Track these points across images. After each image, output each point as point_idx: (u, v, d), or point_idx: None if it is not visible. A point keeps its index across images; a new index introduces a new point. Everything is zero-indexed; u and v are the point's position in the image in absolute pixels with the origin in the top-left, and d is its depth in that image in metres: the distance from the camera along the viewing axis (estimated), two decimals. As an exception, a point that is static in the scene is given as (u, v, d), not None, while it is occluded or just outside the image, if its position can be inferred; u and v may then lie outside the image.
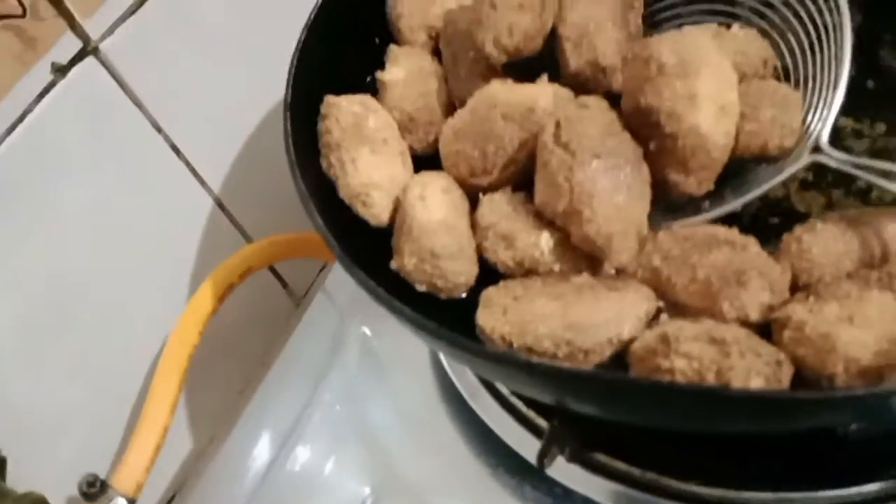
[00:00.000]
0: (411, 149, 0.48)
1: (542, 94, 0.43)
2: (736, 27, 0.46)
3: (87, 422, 0.57)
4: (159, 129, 0.58)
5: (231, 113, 0.63)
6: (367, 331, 0.62)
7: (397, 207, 0.45)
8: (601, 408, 0.38)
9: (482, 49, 0.44)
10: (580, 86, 0.44)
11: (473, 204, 0.45)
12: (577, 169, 0.38)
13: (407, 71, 0.49)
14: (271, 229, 0.67)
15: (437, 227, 0.41)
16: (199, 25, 0.58)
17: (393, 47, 0.51)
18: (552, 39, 0.46)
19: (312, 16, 0.48)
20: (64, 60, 0.50)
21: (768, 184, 0.41)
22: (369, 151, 0.45)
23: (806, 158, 0.41)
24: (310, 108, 0.47)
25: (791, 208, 0.45)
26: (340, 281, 0.65)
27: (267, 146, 0.65)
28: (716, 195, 0.42)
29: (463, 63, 0.46)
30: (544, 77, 0.44)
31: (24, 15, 0.48)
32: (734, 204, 0.41)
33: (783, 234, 0.41)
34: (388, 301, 0.37)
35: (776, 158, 0.42)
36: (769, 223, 0.44)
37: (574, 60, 0.45)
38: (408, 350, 0.60)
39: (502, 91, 0.43)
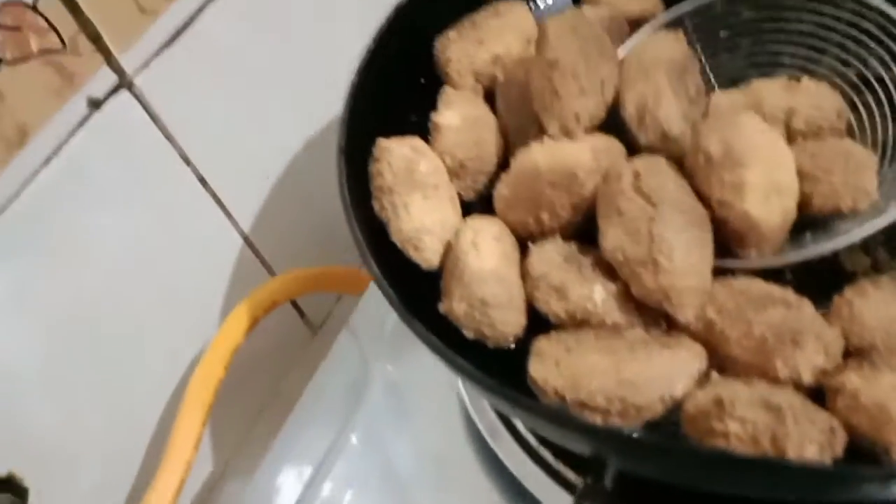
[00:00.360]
0: (459, 196, 0.48)
1: (582, 155, 0.43)
2: (806, 80, 0.47)
3: (108, 452, 0.56)
4: (188, 162, 0.58)
5: (258, 147, 0.63)
6: (390, 368, 0.62)
7: (448, 251, 0.45)
8: (653, 471, 0.37)
9: (547, 131, 0.45)
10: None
11: (524, 248, 0.45)
12: (659, 220, 0.39)
13: (462, 117, 0.49)
14: (294, 263, 0.67)
15: (489, 275, 0.41)
16: (231, 61, 0.59)
17: (448, 90, 0.51)
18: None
19: (365, 60, 0.49)
20: (100, 94, 0.51)
21: (850, 237, 0.41)
22: (421, 196, 0.45)
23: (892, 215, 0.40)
24: (360, 149, 0.47)
25: (838, 266, 0.44)
26: (364, 318, 0.64)
27: (292, 180, 0.66)
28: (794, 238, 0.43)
29: (522, 122, 0.46)
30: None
31: (63, 49, 0.48)
32: (795, 257, 0.42)
33: (832, 294, 0.41)
34: (447, 354, 0.37)
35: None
36: (814, 279, 0.43)
37: (643, 137, 0.46)
38: (432, 388, 0.59)
39: (543, 156, 0.43)
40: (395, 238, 0.45)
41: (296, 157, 0.66)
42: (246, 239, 0.64)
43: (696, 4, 0.51)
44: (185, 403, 0.55)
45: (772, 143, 0.41)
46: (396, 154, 0.46)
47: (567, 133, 0.44)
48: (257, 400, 0.68)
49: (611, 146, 0.45)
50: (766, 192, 0.40)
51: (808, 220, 0.43)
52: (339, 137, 0.46)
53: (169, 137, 0.56)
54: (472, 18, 0.53)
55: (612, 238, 0.40)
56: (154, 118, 0.55)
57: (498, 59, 0.52)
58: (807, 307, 0.39)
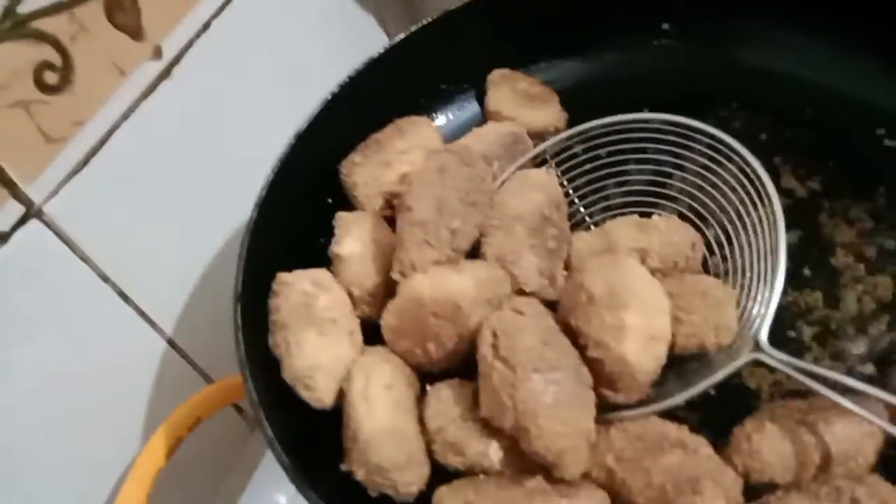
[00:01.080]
0: (371, 319, 0.48)
1: (465, 284, 0.44)
2: (656, 217, 0.48)
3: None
4: (107, 279, 0.57)
5: (179, 256, 0.62)
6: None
7: (342, 395, 0.44)
8: None
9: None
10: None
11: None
12: (520, 385, 0.38)
13: (362, 242, 0.49)
14: (231, 366, 0.65)
15: (383, 437, 0.41)
16: (146, 177, 0.58)
17: (342, 216, 0.51)
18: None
19: (264, 194, 0.49)
20: (6, 227, 0.50)
21: (709, 381, 0.41)
22: (316, 333, 0.44)
23: (745, 357, 0.41)
24: (264, 283, 0.46)
25: (741, 384, 0.45)
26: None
27: (217, 284, 0.64)
28: (659, 382, 0.43)
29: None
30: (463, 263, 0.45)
31: None
32: (677, 399, 0.42)
33: (733, 426, 0.42)
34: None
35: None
36: (717, 400, 0.44)
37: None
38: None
39: (426, 287, 0.43)
40: (286, 376, 0.44)
41: (220, 262, 0.65)
42: (176, 348, 0.63)
43: (556, 143, 0.52)
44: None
45: (652, 289, 0.41)
46: (295, 289, 0.46)
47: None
48: (197, 500, 0.67)
49: (495, 276, 0.45)
50: (645, 337, 0.40)
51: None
52: (236, 281, 0.45)
53: (85, 259, 0.55)
54: (376, 138, 0.54)
55: (485, 405, 0.40)
56: (67, 242, 0.54)
57: (405, 178, 0.52)
58: (703, 448, 0.40)
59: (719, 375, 0.41)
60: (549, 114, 0.54)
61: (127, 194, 0.57)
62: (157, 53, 0.56)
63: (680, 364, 0.44)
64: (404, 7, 0.75)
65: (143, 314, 0.60)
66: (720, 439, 0.41)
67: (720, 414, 0.43)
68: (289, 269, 0.48)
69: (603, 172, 0.51)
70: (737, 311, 0.43)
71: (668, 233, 0.46)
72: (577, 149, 0.51)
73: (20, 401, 0.52)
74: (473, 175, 0.48)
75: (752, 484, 0.40)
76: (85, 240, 0.55)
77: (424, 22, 0.55)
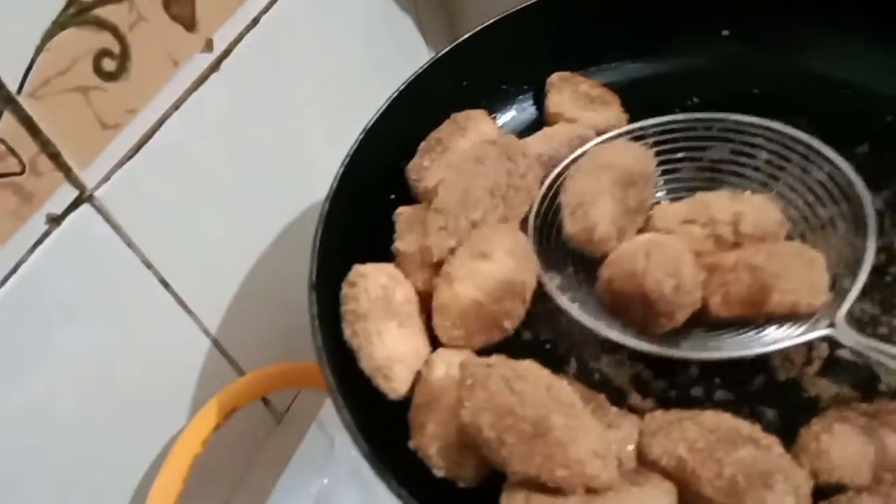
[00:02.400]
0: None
1: (503, 266, 0.46)
2: (748, 193, 0.49)
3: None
4: (150, 266, 0.57)
5: (222, 248, 0.63)
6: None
7: (418, 382, 0.45)
8: None
9: None
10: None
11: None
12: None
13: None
14: (263, 359, 0.66)
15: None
16: (194, 168, 0.58)
17: (403, 212, 0.51)
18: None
19: (336, 186, 0.50)
20: (59, 210, 0.50)
21: (781, 345, 0.43)
22: (396, 325, 0.45)
23: (821, 331, 0.43)
24: (330, 277, 0.47)
25: (802, 392, 0.45)
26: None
27: (258, 278, 0.66)
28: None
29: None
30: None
31: (22, 172, 0.47)
32: (742, 353, 0.43)
33: (800, 427, 0.42)
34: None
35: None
36: (781, 404, 0.44)
37: (569, 225, 0.48)
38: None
39: (471, 286, 0.46)
40: (365, 365, 0.45)
41: (261, 256, 0.65)
42: (213, 339, 0.63)
43: (659, 121, 0.52)
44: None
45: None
46: (373, 281, 0.46)
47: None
48: (223, 491, 0.67)
49: (516, 242, 0.48)
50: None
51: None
52: (311, 271, 0.46)
53: (131, 245, 0.55)
54: (438, 137, 0.54)
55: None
56: (115, 228, 0.54)
57: None
58: (775, 446, 0.40)
59: (794, 341, 0.42)
60: (610, 115, 0.55)
61: (174, 184, 0.57)
62: (209, 46, 0.56)
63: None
64: (442, 12, 0.76)
65: (185, 306, 0.60)
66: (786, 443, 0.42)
67: (782, 419, 0.44)
68: (356, 262, 0.48)
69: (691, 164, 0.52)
70: (826, 276, 0.44)
71: (760, 205, 0.48)
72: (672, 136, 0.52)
73: (62, 382, 0.52)
74: (512, 170, 0.49)
75: (820, 485, 0.40)
76: (132, 226, 0.55)
77: (485, 24, 0.56)
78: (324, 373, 0.41)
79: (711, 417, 0.41)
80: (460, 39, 0.55)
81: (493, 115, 0.58)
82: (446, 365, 0.44)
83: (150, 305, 0.58)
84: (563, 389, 0.39)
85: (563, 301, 0.46)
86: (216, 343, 0.64)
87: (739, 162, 0.51)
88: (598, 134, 0.54)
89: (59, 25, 0.47)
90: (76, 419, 0.54)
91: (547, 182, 0.51)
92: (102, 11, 0.49)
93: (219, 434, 0.59)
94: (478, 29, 0.56)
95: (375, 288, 0.46)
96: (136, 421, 0.58)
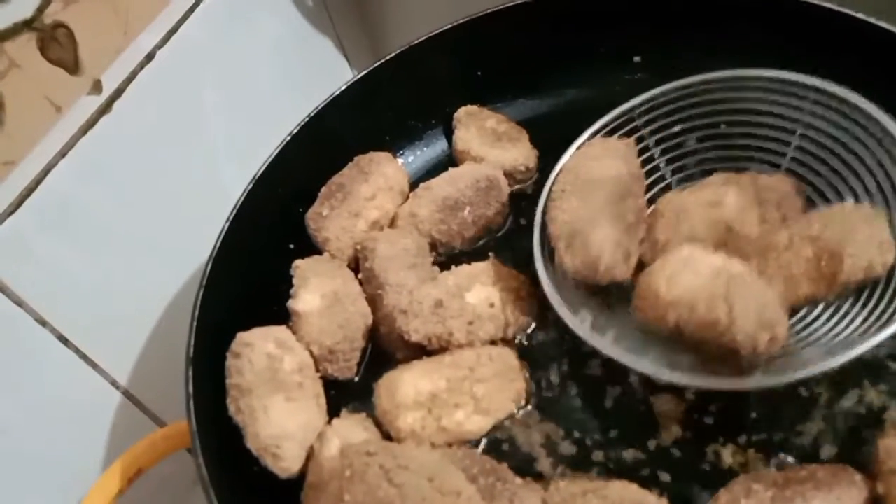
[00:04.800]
0: (332, 378, 0.46)
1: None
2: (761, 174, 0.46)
3: None
4: (44, 323, 0.54)
5: (127, 300, 0.59)
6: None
7: (311, 459, 0.42)
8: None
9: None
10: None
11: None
12: None
13: (321, 295, 0.46)
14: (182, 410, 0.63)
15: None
16: (86, 218, 0.55)
17: (299, 266, 0.48)
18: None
19: (217, 247, 0.47)
20: None
21: (867, 345, 0.37)
22: (283, 398, 0.42)
23: None
24: (216, 343, 0.44)
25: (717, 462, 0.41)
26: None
27: (168, 329, 0.62)
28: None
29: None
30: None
31: None
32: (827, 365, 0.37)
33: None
34: None
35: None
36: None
37: (569, 260, 0.43)
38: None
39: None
40: (251, 445, 0.42)
41: (169, 304, 0.62)
42: (123, 391, 0.60)
43: (645, 98, 0.48)
44: None
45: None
46: (258, 351, 0.43)
47: None
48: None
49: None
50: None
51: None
52: (188, 344, 0.43)
53: (20, 303, 0.52)
54: (339, 182, 0.51)
55: None
56: (1, 287, 0.51)
57: (376, 223, 0.51)
58: None
59: (878, 338, 0.37)
60: (518, 152, 0.52)
61: (66, 235, 0.54)
62: (97, 87, 0.53)
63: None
64: (363, 32, 0.73)
65: (84, 357, 0.57)
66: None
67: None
68: (247, 323, 0.46)
69: (692, 135, 0.49)
70: (888, 227, 0.41)
71: (778, 183, 0.45)
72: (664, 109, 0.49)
73: None
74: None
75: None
76: (19, 283, 0.52)
77: (388, 56, 0.53)
78: (197, 462, 0.38)
79: (617, 490, 0.39)
80: (359, 75, 0.53)
81: (400, 152, 0.56)
82: (340, 440, 0.41)
83: (48, 363, 0.55)
84: (449, 478, 0.36)
85: (604, 344, 0.41)
86: (127, 395, 0.61)
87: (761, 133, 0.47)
88: (506, 174, 0.51)
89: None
90: None
91: (540, 208, 0.46)
92: (-35, 61, 0.46)
93: (142, 479, 0.55)
94: (382, 61, 0.53)
95: (261, 358, 0.43)
96: (43, 484, 0.55)
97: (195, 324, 0.43)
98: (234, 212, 0.48)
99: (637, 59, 0.54)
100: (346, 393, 0.47)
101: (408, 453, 0.37)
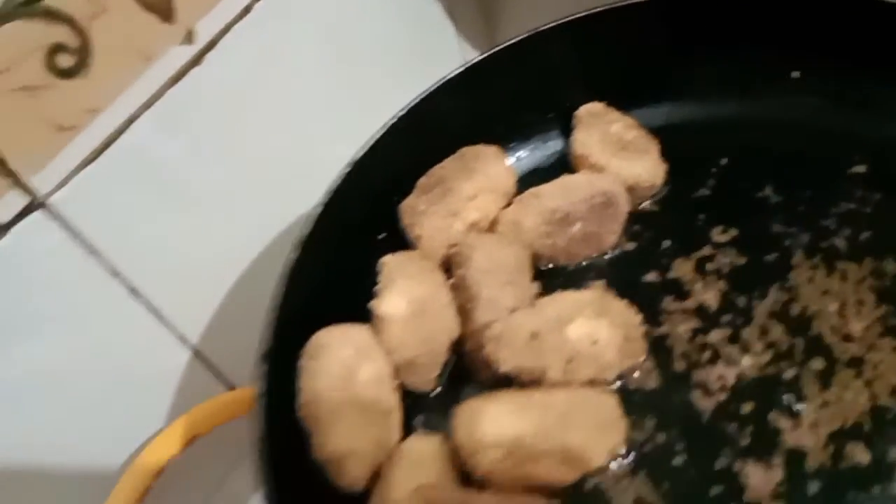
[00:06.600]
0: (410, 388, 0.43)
1: None
2: None
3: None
4: (116, 274, 0.53)
5: (202, 255, 0.57)
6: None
7: (377, 474, 0.40)
8: None
9: None
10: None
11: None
12: None
13: (408, 300, 0.43)
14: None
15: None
16: (167, 173, 0.53)
17: (388, 262, 0.45)
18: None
19: (306, 232, 0.44)
20: (6, 218, 0.46)
21: None
22: (355, 412, 0.40)
23: None
24: (292, 340, 0.42)
25: None
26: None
27: (246, 289, 0.61)
28: None
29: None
30: None
31: None
32: None
33: None
34: None
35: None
36: None
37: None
38: None
39: None
40: (316, 455, 0.40)
41: (249, 265, 0.60)
42: (194, 350, 0.59)
43: None
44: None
45: None
46: (335, 355, 0.41)
47: None
48: (199, 496, 0.63)
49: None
50: None
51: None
52: (265, 336, 0.40)
53: (93, 253, 0.51)
54: (441, 175, 0.47)
55: None
56: (74, 235, 0.49)
57: (475, 225, 0.47)
58: None
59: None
60: (645, 166, 0.47)
61: (145, 188, 0.53)
62: (190, 38, 0.51)
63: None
64: (478, 13, 0.69)
65: (155, 311, 0.56)
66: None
67: None
68: (327, 312, 0.43)
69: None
70: None
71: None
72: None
73: (22, 400, 0.49)
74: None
75: None
76: (94, 233, 0.50)
77: (508, 42, 0.48)
78: (260, 472, 0.36)
79: None
80: (477, 59, 0.48)
81: (510, 147, 0.51)
82: (409, 472, 0.38)
83: (117, 315, 0.54)
84: None
85: None
86: (198, 354, 0.60)
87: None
88: (629, 190, 0.46)
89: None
90: (38, 438, 0.51)
91: None
92: (55, 2, 0.44)
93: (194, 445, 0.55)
94: (500, 47, 0.48)
95: (335, 365, 0.40)
96: (102, 437, 0.55)
97: (275, 315, 0.41)
98: (328, 196, 0.45)
99: (795, 74, 0.48)
100: (422, 403, 0.44)
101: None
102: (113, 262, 0.52)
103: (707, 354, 0.42)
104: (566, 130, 0.51)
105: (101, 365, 0.53)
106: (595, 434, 0.39)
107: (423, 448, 0.40)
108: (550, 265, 0.47)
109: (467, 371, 0.44)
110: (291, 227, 0.62)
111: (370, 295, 0.45)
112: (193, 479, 0.61)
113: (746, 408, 0.40)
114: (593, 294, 0.42)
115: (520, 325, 0.40)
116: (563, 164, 0.50)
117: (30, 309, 0.48)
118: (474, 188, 0.46)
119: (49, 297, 0.49)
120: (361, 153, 0.46)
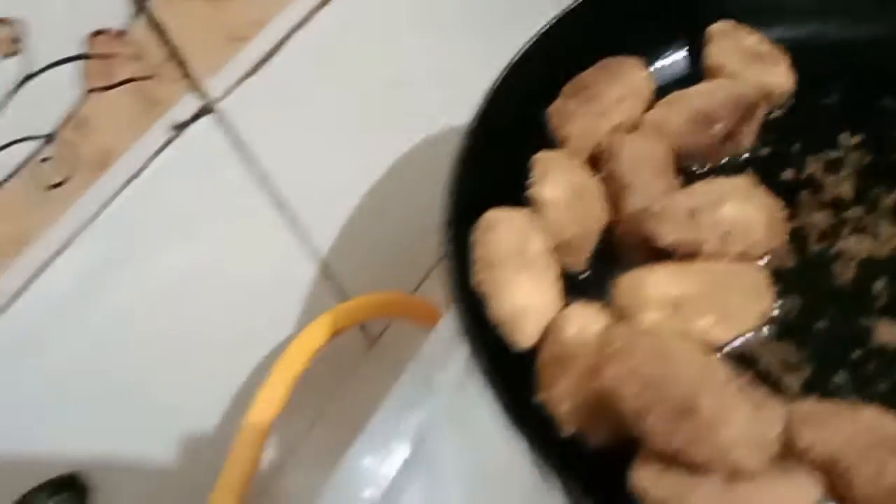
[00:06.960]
0: (564, 270, 0.47)
1: None
2: None
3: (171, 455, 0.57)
4: (265, 183, 0.57)
5: (341, 172, 0.62)
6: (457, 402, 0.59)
7: (547, 336, 0.43)
8: None
9: None
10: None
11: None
12: None
13: (563, 188, 0.47)
14: (368, 288, 0.66)
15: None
16: (316, 89, 0.58)
17: (541, 157, 0.49)
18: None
19: (475, 122, 0.48)
20: (183, 118, 0.50)
21: None
22: (528, 276, 0.43)
23: None
24: (463, 218, 0.45)
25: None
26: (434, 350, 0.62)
27: (375, 204, 0.65)
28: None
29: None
30: None
31: (149, 78, 0.48)
32: None
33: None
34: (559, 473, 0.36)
35: None
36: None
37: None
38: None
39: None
40: (492, 315, 0.43)
41: (379, 185, 0.65)
42: (322, 263, 0.64)
43: None
44: (243, 434, 0.54)
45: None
46: (508, 228, 0.44)
47: None
48: (310, 412, 0.68)
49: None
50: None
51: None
52: (446, 208, 0.44)
53: (250, 160, 0.55)
54: (586, 82, 0.51)
55: None
56: (236, 141, 0.54)
57: (619, 126, 0.50)
58: None
59: None
60: (778, 74, 0.51)
61: (298, 102, 0.57)
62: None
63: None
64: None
65: (298, 227, 0.61)
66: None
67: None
68: (486, 205, 0.46)
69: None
70: None
71: None
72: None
73: (169, 293, 0.53)
74: None
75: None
76: (251, 142, 0.54)
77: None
78: (459, 318, 0.40)
79: (870, 416, 0.39)
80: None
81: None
82: (579, 323, 0.42)
83: (260, 224, 0.58)
84: (718, 367, 0.37)
85: None
86: (325, 267, 0.64)
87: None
88: (764, 97, 0.50)
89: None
90: (179, 330, 0.55)
91: None
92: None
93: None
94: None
95: (510, 235, 0.44)
96: (237, 337, 0.59)
97: (454, 192, 0.45)
98: (491, 92, 0.49)
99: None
100: (572, 286, 0.47)
101: (676, 341, 0.37)
102: (265, 171, 0.56)
103: (842, 236, 0.46)
104: (694, 50, 0.54)
105: (240, 268, 0.57)
106: (747, 299, 0.43)
107: (588, 311, 0.44)
108: (690, 165, 0.50)
109: (611, 256, 0.48)
110: (425, 153, 0.66)
111: (519, 195, 0.48)
112: (301, 396, 0.64)
113: (880, 282, 0.44)
114: (740, 180, 0.46)
115: (679, 203, 0.44)
116: (691, 81, 0.53)
117: (189, 210, 0.52)
118: (620, 91, 0.50)
119: (206, 201, 0.53)
120: (516, 56, 0.50)
